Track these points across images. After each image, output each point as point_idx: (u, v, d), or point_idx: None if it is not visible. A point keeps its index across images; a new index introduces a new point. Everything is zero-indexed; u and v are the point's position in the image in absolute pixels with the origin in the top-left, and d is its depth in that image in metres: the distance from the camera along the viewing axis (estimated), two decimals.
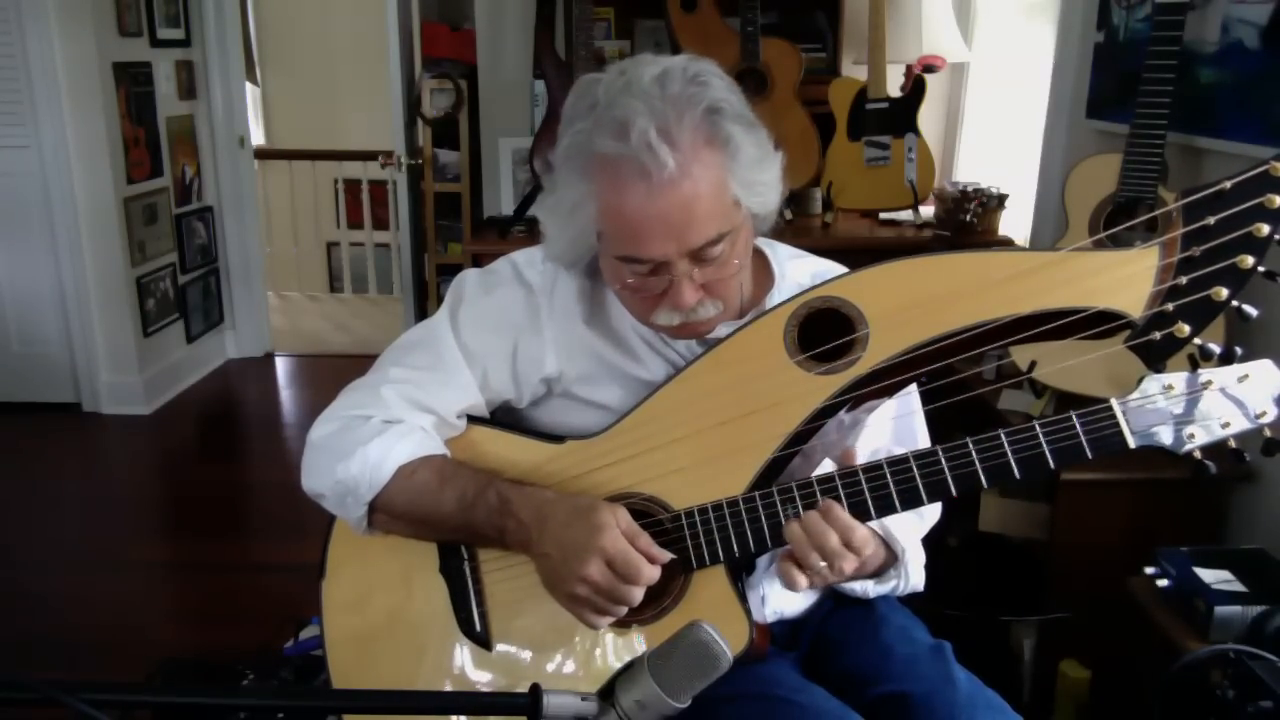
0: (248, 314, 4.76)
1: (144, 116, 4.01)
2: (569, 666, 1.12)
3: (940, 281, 1.06)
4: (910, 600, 1.27)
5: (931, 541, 1.26)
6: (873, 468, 1.03)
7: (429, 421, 1.17)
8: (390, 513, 1.14)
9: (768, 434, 1.07)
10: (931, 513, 1.25)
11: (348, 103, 6.35)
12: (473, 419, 1.21)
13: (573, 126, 1.07)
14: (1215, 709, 1.42)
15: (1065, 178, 2.18)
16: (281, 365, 4.77)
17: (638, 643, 1.10)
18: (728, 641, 0.78)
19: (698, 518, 1.08)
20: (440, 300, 3.96)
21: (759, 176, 1.09)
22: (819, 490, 1.04)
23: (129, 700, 0.76)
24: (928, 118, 3.27)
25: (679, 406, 1.11)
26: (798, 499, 1.05)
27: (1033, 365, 1.99)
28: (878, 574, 1.19)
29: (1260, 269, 0.98)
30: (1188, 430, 0.98)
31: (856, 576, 1.13)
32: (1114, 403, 0.99)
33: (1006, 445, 1.00)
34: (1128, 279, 1.01)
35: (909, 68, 3.21)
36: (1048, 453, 0.99)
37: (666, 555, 1.05)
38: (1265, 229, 0.97)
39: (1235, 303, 0.98)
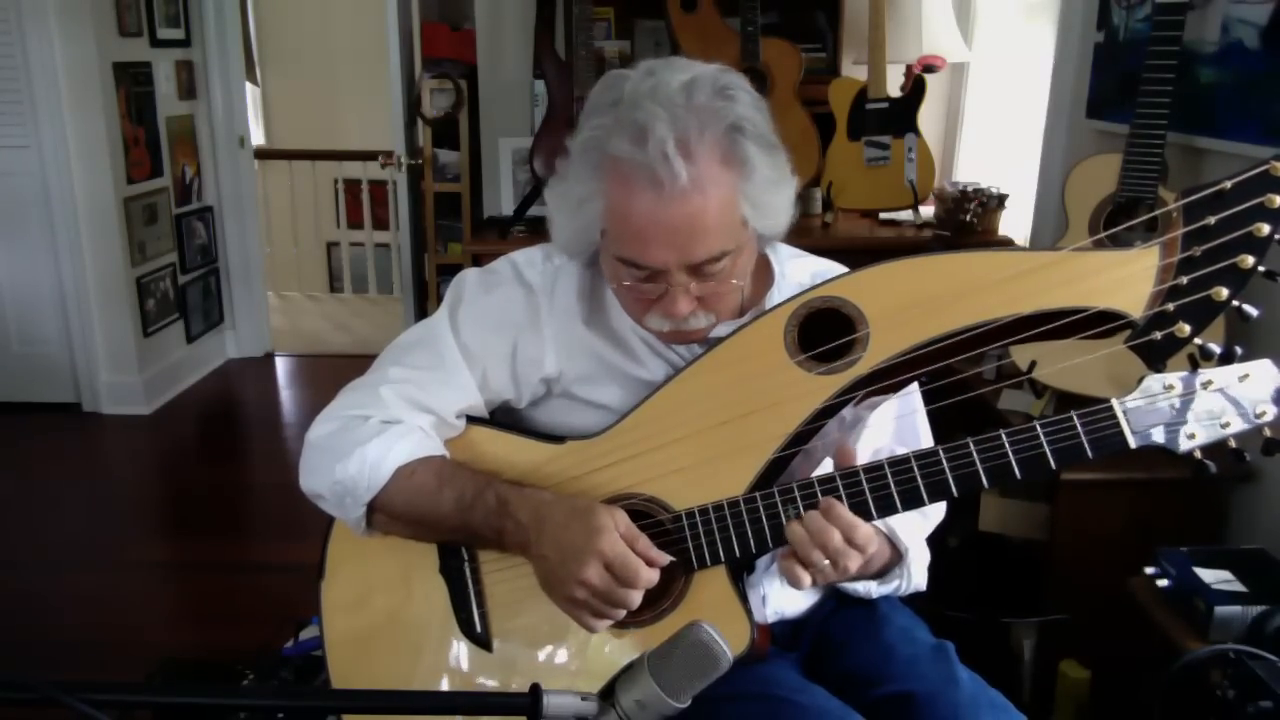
0: (248, 314, 4.76)
1: (144, 116, 4.01)
2: (569, 667, 1.12)
3: (941, 281, 1.06)
4: (910, 600, 1.27)
5: (932, 542, 1.26)
6: (874, 468, 1.03)
7: (428, 421, 1.17)
8: (389, 513, 1.14)
9: (768, 434, 1.07)
10: (936, 512, 1.25)
11: (348, 103, 6.35)
12: (472, 419, 1.21)
13: (592, 120, 1.06)
14: (1215, 709, 1.42)
15: (1065, 178, 2.18)
16: (281, 365, 4.77)
17: (639, 643, 1.10)
18: (728, 641, 0.78)
19: (698, 518, 1.08)
20: (440, 300, 3.96)
21: (771, 199, 1.09)
22: (820, 490, 1.04)
23: (129, 700, 0.76)
24: (928, 118, 3.27)
25: (679, 406, 1.11)
26: (799, 499, 1.05)
27: (1033, 365, 1.99)
28: (881, 573, 1.19)
29: (1261, 269, 0.98)
30: (1188, 430, 0.97)
31: (860, 576, 1.13)
32: (1114, 403, 0.98)
33: (1008, 445, 0.99)
34: (1128, 279, 1.01)
35: (909, 68, 3.21)
36: (1049, 453, 0.99)
37: (665, 558, 1.05)
38: (1265, 229, 0.97)
39: (1236, 303, 0.98)
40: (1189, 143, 2.06)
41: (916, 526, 1.20)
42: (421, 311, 3.95)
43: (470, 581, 1.15)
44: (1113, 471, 1.90)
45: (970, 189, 3.03)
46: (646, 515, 1.10)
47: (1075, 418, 0.98)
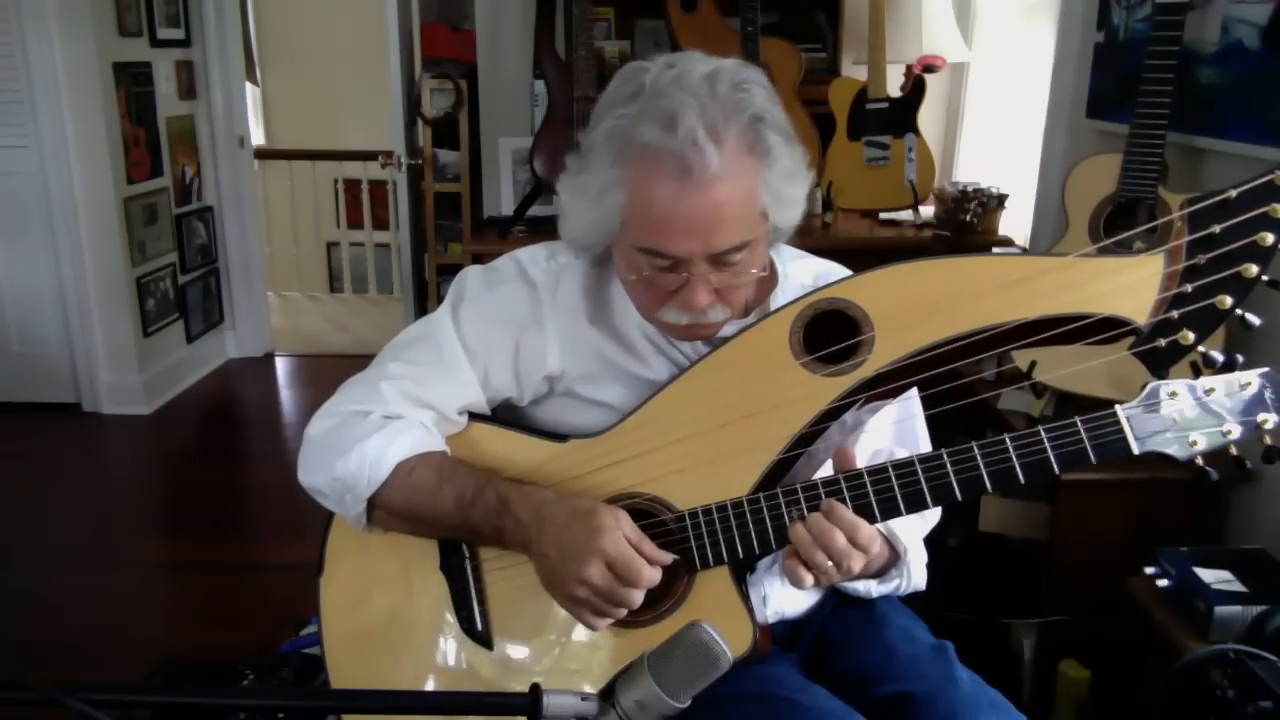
0: (248, 314, 4.76)
1: (144, 116, 4.01)
2: (569, 665, 1.12)
3: (946, 285, 1.06)
4: (910, 600, 1.27)
5: (931, 542, 1.26)
6: (877, 470, 1.03)
7: (429, 417, 1.16)
8: (389, 510, 1.14)
9: (773, 435, 1.06)
10: (933, 513, 1.25)
11: (348, 103, 6.35)
12: (474, 416, 1.21)
13: (614, 110, 1.06)
14: (1215, 709, 1.42)
15: (1065, 178, 2.18)
16: (281, 365, 4.77)
17: (639, 643, 1.10)
18: (728, 642, 0.78)
19: (701, 518, 1.08)
20: (440, 300, 3.95)
21: (790, 191, 1.09)
22: (823, 492, 1.04)
23: (129, 700, 0.76)
24: (928, 118, 3.27)
25: (683, 406, 1.11)
26: (802, 501, 1.05)
27: (1033, 365, 1.99)
28: (880, 573, 1.19)
29: (1264, 278, 0.99)
30: (1190, 437, 0.98)
31: (861, 575, 1.13)
32: (1118, 408, 0.99)
33: (1011, 449, 1.00)
34: (1133, 286, 1.02)
35: (909, 68, 3.21)
36: (1052, 457, 0.99)
37: (668, 557, 1.05)
38: (1270, 238, 0.98)
39: (1239, 311, 0.99)
40: (1189, 143, 2.06)
41: (914, 526, 1.21)
42: (421, 311, 3.95)
43: (471, 579, 1.15)
44: (1113, 472, 1.90)
45: (970, 189, 3.03)
46: (649, 515, 1.09)
47: (1079, 423, 0.99)
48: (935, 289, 1.06)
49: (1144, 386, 0.99)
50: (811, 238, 3.06)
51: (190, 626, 2.65)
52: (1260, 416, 0.97)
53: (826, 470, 1.09)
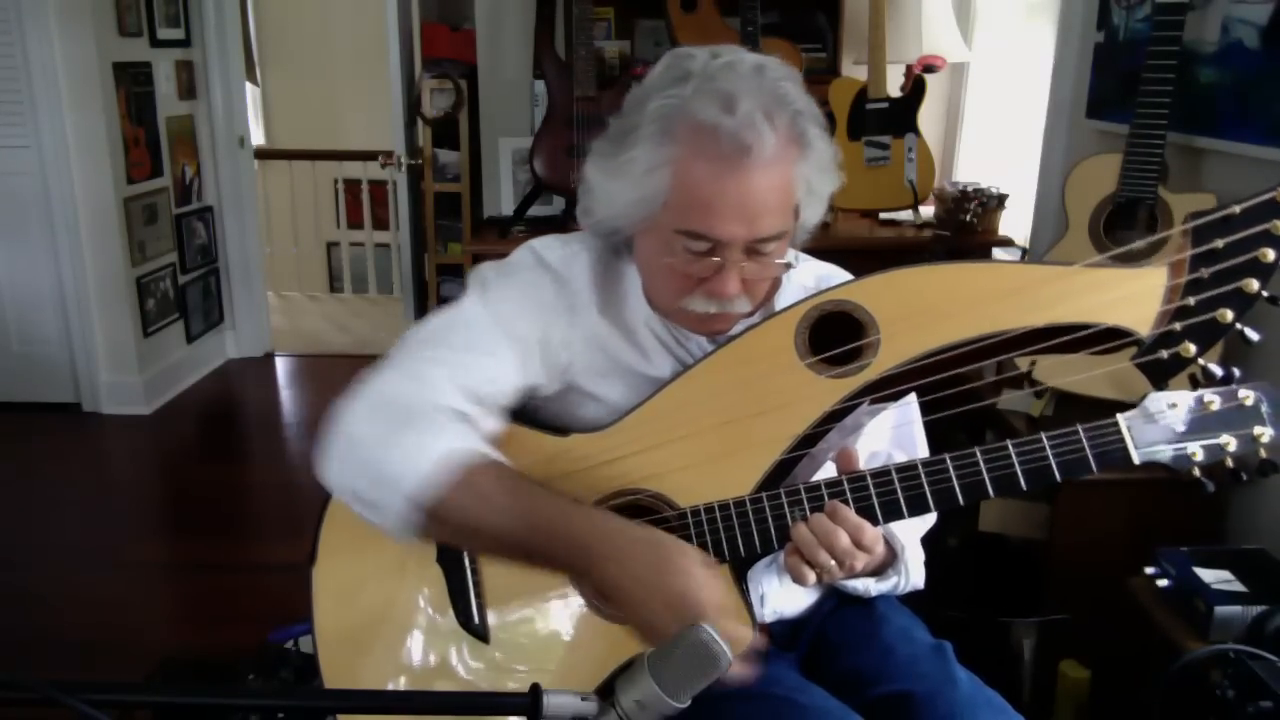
0: (248, 314, 4.76)
1: (144, 116, 4.01)
2: (567, 661, 1.11)
3: (953, 290, 1.07)
4: (910, 600, 1.27)
5: (931, 541, 1.26)
6: (880, 473, 1.03)
7: (477, 411, 1.10)
8: (442, 518, 1.02)
9: (776, 435, 1.07)
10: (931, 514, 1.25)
11: (348, 103, 6.36)
12: None
13: (662, 92, 1.06)
14: (1215, 709, 1.42)
15: (1065, 178, 2.18)
16: (281, 365, 4.77)
17: (638, 640, 1.10)
18: (728, 641, 0.78)
19: (704, 516, 1.07)
20: (440, 300, 3.94)
21: (822, 186, 1.11)
22: (827, 493, 1.04)
23: (129, 700, 0.76)
24: (928, 118, 3.27)
25: (687, 403, 1.11)
26: (805, 502, 1.05)
27: (1032, 365, 1.99)
28: (878, 572, 1.19)
29: (1265, 294, 1.00)
30: (1190, 449, 0.99)
31: (860, 574, 1.13)
32: (1120, 418, 1.00)
33: (1014, 456, 1.00)
34: (1137, 297, 1.03)
35: (909, 68, 3.21)
36: (1054, 465, 1.00)
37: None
38: (1271, 254, 1.00)
39: (1239, 325, 1.00)
40: (1189, 143, 2.06)
41: (912, 526, 1.21)
42: (422, 311, 3.95)
43: (469, 571, 1.14)
44: (1113, 472, 1.89)
45: (970, 189, 3.03)
46: (651, 511, 1.09)
47: (1081, 430, 1.00)
48: (942, 294, 1.07)
49: (1144, 397, 1.00)
50: (811, 238, 3.06)
51: (190, 626, 2.65)
52: (1256, 430, 0.99)
53: (826, 472, 1.09)
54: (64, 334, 3.95)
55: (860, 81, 3.21)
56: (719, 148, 1.02)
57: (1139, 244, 1.86)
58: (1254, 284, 1.00)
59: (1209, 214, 1.02)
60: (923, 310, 1.06)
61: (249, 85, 4.84)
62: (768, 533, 1.06)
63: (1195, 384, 1.01)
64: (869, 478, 1.04)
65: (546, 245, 1.22)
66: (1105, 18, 2.41)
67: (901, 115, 3.18)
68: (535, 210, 3.30)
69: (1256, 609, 1.51)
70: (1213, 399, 0.99)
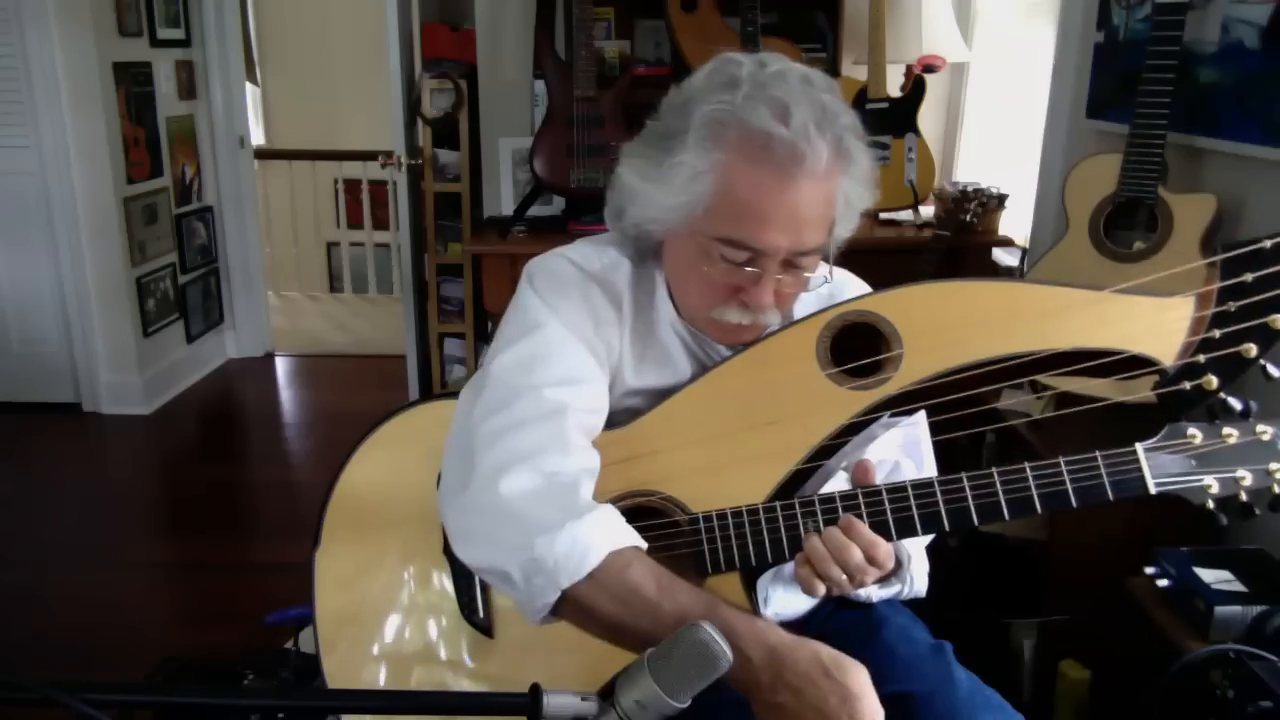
0: (248, 314, 4.76)
1: (144, 116, 4.01)
2: (570, 657, 1.11)
3: (977, 308, 1.07)
4: (910, 601, 1.27)
5: (931, 542, 1.26)
6: (896, 489, 1.03)
7: (596, 459, 1.07)
8: (586, 609, 0.96)
9: (793, 444, 1.06)
10: None
11: (348, 103, 6.35)
12: None
13: (712, 97, 1.04)
14: (1215, 709, 1.42)
15: (1065, 178, 2.18)
16: (281, 365, 4.77)
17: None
18: (728, 642, 0.78)
19: (715, 523, 1.07)
20: (440, 300, 3.93)
21: (859, 201, 1.10)
22: (841, 506, 1.04)
23: (129, 700, 0.76)
24: (928, 118, 3.27)
25: (704, 407, 1.10)
26: (819, 513, 1.04)
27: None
28: (882, 579, 1.18)
29: None
30: (1205, 481, 1.00)
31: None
32: (1139, 447, 1.00)
33: (1031, 480, 1.00)
34: (1163, 326, 1.03)
35: (909, 68, 3.21)
36: (1070, 491, 1.00)
37: None
38: None
39: (1262, 361, 1.00)
40: (1189, 143, 2.06)
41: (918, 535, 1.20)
42: (421, 311, 3.94)
43: None
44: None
45: (970, 189, 3.03)
46: (663, 514, 1.09)
47: (1099, 458, 1.00)
48: (967, 311, 1.06)
49: (1164, 428, 1.01)
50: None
51: (190, 626, 2.65)
52: (1272, 465, 0.99)
53: (835, 484, 1.09)
54: (64, 334, 3.95)
55: (860, 81, 3.20)
56: (771, 156, 1.01)
57: (1142, 248, 1.86)
58: (1279, 320, 1.00)
59: (1240, 245, 1.02)
60: (947, 326, 1.06)
61: (249, 85, 4.84)
62: (779, 542, 1.05)
63: (1213, 416, 1.01)
64: (884, 493, 1.03)
65: (584, 256, 1.18)
66: (1105, 18, 2.41)
67: (901, 115, 3.18)
68: (535, 210, 3.30)
69: (1256, 609, 1.51)
70: (1231, 432, 1.00)
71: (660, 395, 1.13)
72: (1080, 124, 2.53)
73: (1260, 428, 1.00)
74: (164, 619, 2.70)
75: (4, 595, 2.72)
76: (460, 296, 3.83)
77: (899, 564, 1.17)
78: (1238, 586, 1.57)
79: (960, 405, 1.07)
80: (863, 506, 1.03)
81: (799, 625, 1.26)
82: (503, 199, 3.57)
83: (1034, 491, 1.00)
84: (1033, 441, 2.03)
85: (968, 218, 2.96)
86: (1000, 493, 1.00)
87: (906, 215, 3.23)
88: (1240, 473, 0.99)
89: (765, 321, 1.11)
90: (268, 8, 6.42)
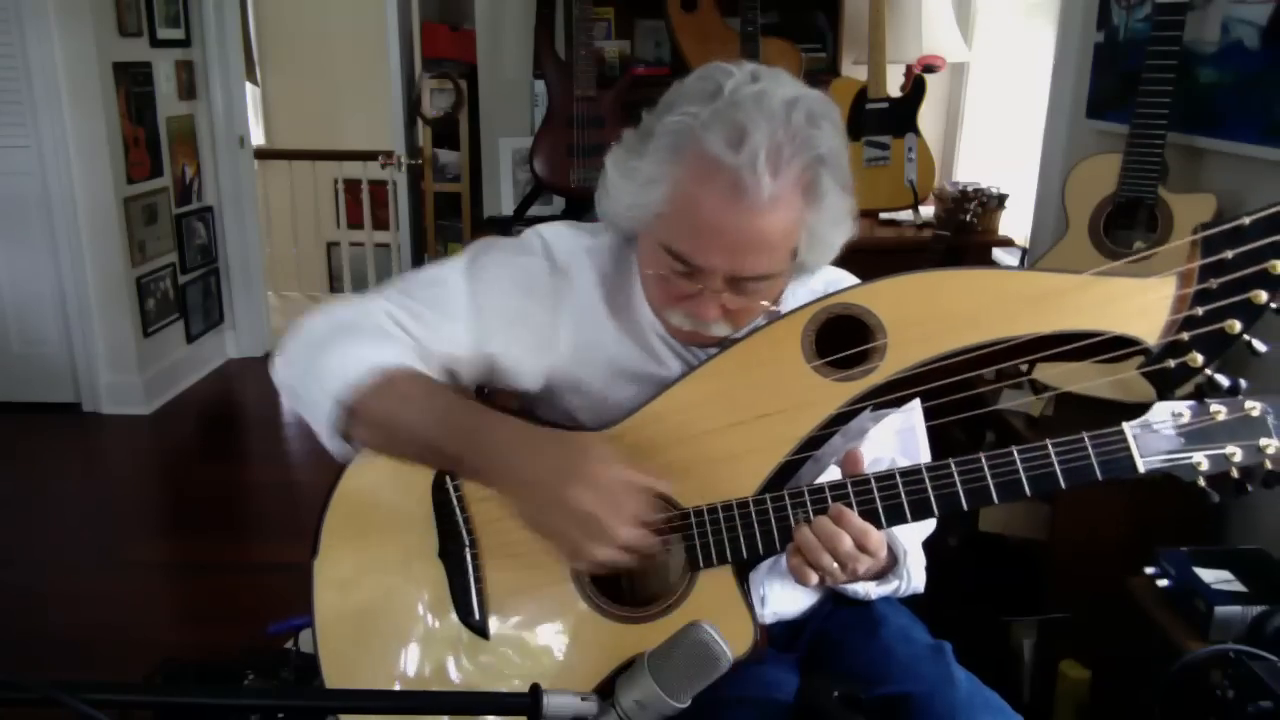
0: (248, 314, 4.76)
1: (144, 116, 4.01)
2: (567, 658, 1.11)
3: (960, 296, 1.07)
4: (910, 600, 1.27)
5: (931, 541, 1.26)
6: (884, 477, 1.04)
7: (413, 347, 1.15)
8: (366, 419, 1.09)
9: (781, 437, 1.07)
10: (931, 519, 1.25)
11: (348, 103, 6.35)
12: (483, 401, 1.21)
13: (685, 106, 1.05)
14: (1215, 709, 1.42)
15: (1065, 178, 2.18)
16: None
17: (639, 639, 1.10)
18: (729, 642, 0.78)
19: (706, 517, 1.08)
20: None
21: (829, 237, 1.09)
22: (830, 496, 1.04)
23: (129, 700, 0.76)
24: (928, 118, 3.27)
25: (692, 404, 1.11)
26: (809, 504, 1.05)
27: (1032, 365, 1.99)
28: (879, 576, 1.19)
29: (1273, 305, 1.00)
30: (1195, 459, 0.99)
31: (861, 578, 1.13)
32: (1125, 427, 1.00)
33: (1019, 462, 1.01)
34: (1145, 306, 1.03)
35: (909, 68, 3.21)
36: (1059, 473, 1.00)
37: (663, 485, 1.05)
38: (1279, 266, 0.99)
39: (1246, 336, 1.00)
40: (1189, 143, 2.06)
41: (913, 530, 1.20)
42: None
43: (470, 567, 1.14)
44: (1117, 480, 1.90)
45: (970, 189, 3.03)
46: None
47: (1086, 439, 1.00)
48: (949, 300, 1.07)
49: (1150, 406, 1.01)
50: None
51: (190, 626, 2.65)
52: (1263, 441, 0.99)
53: (829, 475, 1.09)
54: (64, 334, 3.95)
55: (860, 81, 3.21)
56: (717, 181, 1.01)
57: (1142, 247, 1.86)
58: (1262, 295, 1.00)
59: (1219, 225, 1.02)
60: (930, 315, 1.06)
61: (249, 85, 4.84)
62: (770, 534, 1.06)
63: (1201, 394, 1.01)
64: (873, 481, 1.04)
65: (558, 235, 1.21)
66: (1105, 18, 2.41)
67: (901, 115, 3.18)
68: (535, 210, 3.31)
69: (1256, 609, 1.51)
70: (1219, 409, 0.99)
71: (646, 393, 1.14)
72: (1080, 124, 2.53)
73: (1249, 404, 0.99)
74: (164, 619, 2.70)
75: (4, 595, 2.72)
76: None
77: (895, 560, 1.17)
78: (1238, 586, 1.57)
79: (948, 392, 1.08)
80: (852, 496, 1.04)
81: (798, 624, 1.26)
82: (503, 199, 3.57)
83: (1022, 474, 1.00)
84: (1031, 439, 2.03)
85: (968, 218, 2.96)
86: (989, 476, 1.01)
87: (906, 215, 3.23)
88: (1230, 449, 0.99)
89: (712, 333, 1.12)
90: (268, 8, 6.41)
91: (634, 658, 0.82)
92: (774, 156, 1.00)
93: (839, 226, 1.10)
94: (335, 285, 6.27)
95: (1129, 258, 1.92)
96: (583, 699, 0.77)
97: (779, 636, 1.24)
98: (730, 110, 1.02)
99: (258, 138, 5.99)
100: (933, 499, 1.02)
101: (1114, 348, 1.03)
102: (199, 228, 4.47)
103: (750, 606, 1.08)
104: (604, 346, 1.18)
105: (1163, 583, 1.63)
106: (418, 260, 4.19)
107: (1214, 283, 1.01)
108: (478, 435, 1.06)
